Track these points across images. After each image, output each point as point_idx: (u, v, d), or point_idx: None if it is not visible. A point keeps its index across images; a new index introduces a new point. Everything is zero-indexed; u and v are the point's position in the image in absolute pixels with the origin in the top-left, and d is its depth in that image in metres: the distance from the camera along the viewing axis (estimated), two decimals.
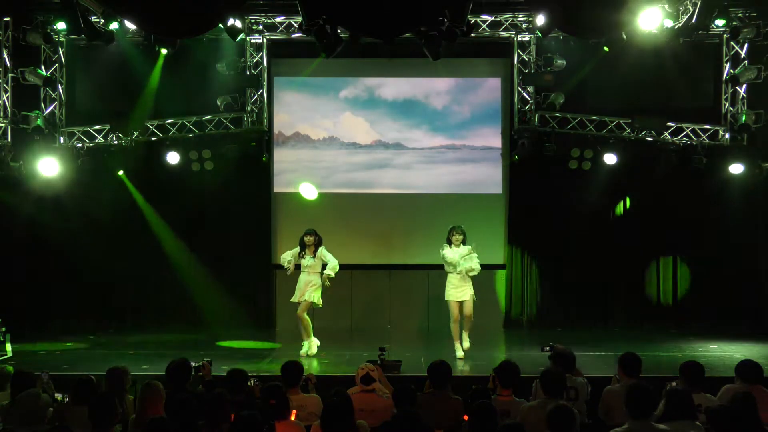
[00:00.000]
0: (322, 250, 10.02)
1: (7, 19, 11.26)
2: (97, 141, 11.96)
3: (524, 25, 11.74)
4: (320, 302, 10.07)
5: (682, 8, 10.49)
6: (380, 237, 12.34)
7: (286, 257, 10.15)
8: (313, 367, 9.23)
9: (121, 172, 12.03)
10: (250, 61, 11.89)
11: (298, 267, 10.14)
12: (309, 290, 9.98)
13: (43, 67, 11.59)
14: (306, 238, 10.05)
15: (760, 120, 11.32)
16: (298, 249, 10.13)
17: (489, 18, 11.66)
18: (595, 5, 9.40)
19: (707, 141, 11.82)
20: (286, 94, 12.72)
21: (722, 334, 11.27)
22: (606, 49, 10.87)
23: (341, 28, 9.31)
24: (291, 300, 10.19)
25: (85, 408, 5.04)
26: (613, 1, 9.52)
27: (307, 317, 9.98)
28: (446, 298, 10.00)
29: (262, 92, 12.04)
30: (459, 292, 9.88)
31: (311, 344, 9.98)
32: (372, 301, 12.68)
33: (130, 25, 10.64)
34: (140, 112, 11.80)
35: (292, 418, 5.38)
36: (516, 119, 11.98)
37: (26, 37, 11.12)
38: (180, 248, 12.42)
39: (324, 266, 10.00)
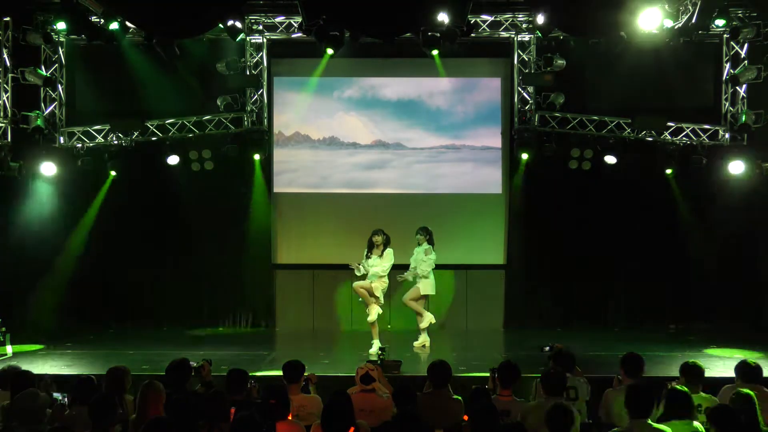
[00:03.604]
0: (389, 251, 10.04)
1: (7, 19, 11.26)
2: (97, 141, 11.97)
3: (524, 25, 11.74)
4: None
5: (682, 8, 10.49)
6: None
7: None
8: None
9: (113, 173, 12.02)
10: (250, 61, 11.89)
11: None
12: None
13: (43, 67, 11.59)
14: (375, 238, 10.06)
15: (760, 120, 11.33)
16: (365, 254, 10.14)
17: (489, 18, 11.66)
18: (594, 5, 9.42)
19: (707, 141, 11.82)
20: (286, 94, 12.71)
21: (722, 334, 11.27)
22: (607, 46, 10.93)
23: (341, 29, 9.34)
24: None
25: (85, 408, 5.05)
26: (613, 1, 9.54)
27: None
28: (432, 292, 10.43)
29: (262, 92, 12.04)
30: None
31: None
32: None
33: (130, 25, 10.64)
34: (140, 112, 11.81)
35: (290, 417, 5.38)
36: (516, 119, 11.98)
37: (26, 37, 11.14)
38: (180, 248, 12.42)
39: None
